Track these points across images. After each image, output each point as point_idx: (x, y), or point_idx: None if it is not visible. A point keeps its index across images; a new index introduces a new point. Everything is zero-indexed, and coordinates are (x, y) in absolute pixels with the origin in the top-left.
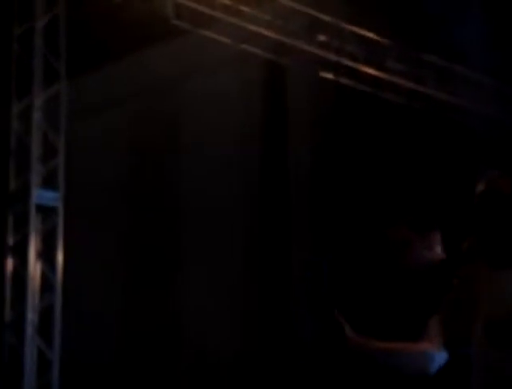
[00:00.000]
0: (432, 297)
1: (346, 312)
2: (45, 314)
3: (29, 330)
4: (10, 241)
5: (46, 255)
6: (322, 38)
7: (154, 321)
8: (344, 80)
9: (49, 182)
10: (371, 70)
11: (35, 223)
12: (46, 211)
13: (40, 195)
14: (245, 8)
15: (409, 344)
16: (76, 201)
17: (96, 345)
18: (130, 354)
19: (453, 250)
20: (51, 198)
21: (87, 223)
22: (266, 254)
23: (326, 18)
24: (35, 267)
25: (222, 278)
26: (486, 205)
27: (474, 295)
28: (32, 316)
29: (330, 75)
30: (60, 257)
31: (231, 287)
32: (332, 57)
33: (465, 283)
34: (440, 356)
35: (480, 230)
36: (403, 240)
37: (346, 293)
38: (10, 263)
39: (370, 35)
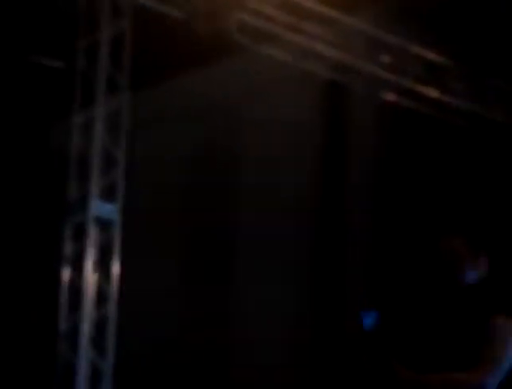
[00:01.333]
0: (482, 320)
1: (398, 352)
2: (100, 325)
3: (83, 341)
4: (68, 251)
5: (102, 267)
6: (384, 58)
7: (208, 334)
8: (406, 102)
9: (107, 194)
10: (434, 92)
11: (93, 234)
12: (104, 223)
13: (98, 207)
14: (307, 26)
15: (463, 374)
16: (135, 214)
17: (150, 358)
18: (184, 370)
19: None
20: (109, 210)
21: (145, 236)
22: (318, 302)
23: (388, 38)
24: (91, 279)
25: (273, 305)
26: None
27: None
28: (86, 327)
29: (391, 96)
30: (116, 269)
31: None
32: (394, 78)
33: None
34: (494, 383)
35: None
36: (456, 252)
37: (396, 330)
38: (66, 274)
39: (432, 56)
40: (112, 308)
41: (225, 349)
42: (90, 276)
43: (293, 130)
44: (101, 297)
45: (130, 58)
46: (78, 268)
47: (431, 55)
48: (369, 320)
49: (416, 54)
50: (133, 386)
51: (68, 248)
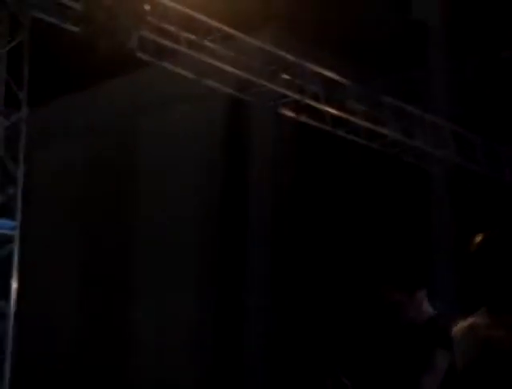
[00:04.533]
0: (422, 356)
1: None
2: None
3: None
4: None
5: (1, 282)
6: (284, 76)
7: (110, 350)
8: (305, 118)
9: (5, 211)
10: (331, 109)
11: None
12: (2, 239)
13: None
14: (209, 44)
15: None
16: (33, 230)
17: (48, 373)
18: (83, 384)
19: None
20: (8, 226)
21: (44, 251)
22: (220, 295)
23: (289, 57)
24: None
25: (174, 312)
26: (486, 256)
27: None
28: None
29: (290, 113)
30: (14, 285)
31: (183, 320)
32: (294, 95)
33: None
34: None
35: (479, 278)
36: (396, 302)
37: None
38: None
39: (330, 74)
40: (9, 324)
41: (125, 361)
42: None
43: (193, 144)
44: None
45: (28, 73)
46: None
47: (329, 74)
48: None
49: (314, 72)
50: None
51: None
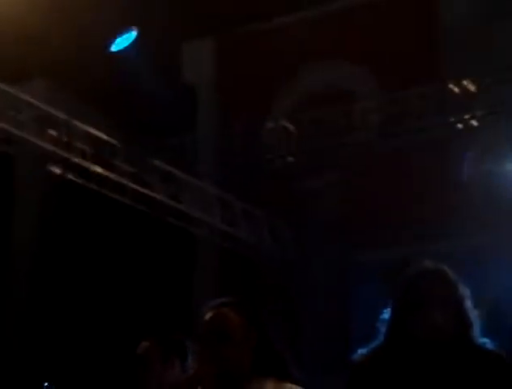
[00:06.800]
0: None
1: None
2: None
3: None
4: None
5: None
6: (52, 132)
7: None
8: (72, 176)
9: None
10: (98, 169)
11: None
12: None
13: None
14: None
15: None
16: None
17: None
18: None
19: None
20: None
21: None
22: None
23: (57, 113)
24: None
25: None
26: (210, 332)
27: None
28: None
29: (57, 170)
30: None
31: None
32: (61, 152)
33: None
34: None
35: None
36: (144, 354)
37: None
38: None
39: (99, 134)
40: None
41: None
42: None
43: None
44: None
45: None
46: None
47: (98, 133)
48: None
49: (83, 131)
50: None
51: None
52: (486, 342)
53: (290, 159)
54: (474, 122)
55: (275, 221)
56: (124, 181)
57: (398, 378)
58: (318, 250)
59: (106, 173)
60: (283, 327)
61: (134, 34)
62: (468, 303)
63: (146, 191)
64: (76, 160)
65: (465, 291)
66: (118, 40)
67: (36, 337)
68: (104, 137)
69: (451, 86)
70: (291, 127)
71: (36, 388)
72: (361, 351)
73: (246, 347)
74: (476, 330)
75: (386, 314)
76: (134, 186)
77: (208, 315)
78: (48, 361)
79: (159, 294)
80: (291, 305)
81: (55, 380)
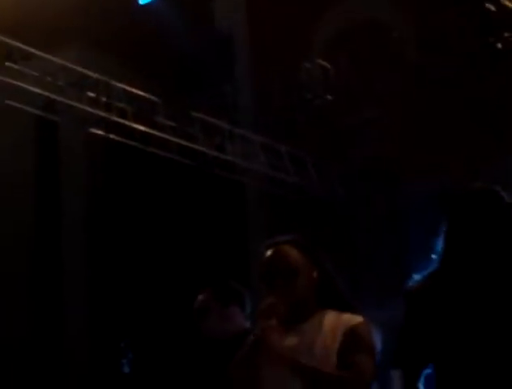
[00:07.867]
0: (219, 369)
1: None
2: None
3: None
4: None
5: None
6: (90, 94)
7: None
8: (114, 136)
9: None
10: (141, 127)
11: None
12: None
13: None
14: (12, 64)
15: None
16: None
17: None
18: None
19: None
20: None
21: None
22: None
23: (94, 75)
24: None
25: None
26: (274, 269)
27: None
28: None
29: (99, 131)
30: None
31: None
32: (101, 113)
33: None
34: None
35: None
36: (202, 307)
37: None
38: None
39: (138, 92)
40: None
41: None
42: None
43: (5, 165)
44: None
45: None
46: None
47: (136, 91)
48: None
49: (121, 90)
50: None
51: None
52: None
53: (329, 97)
54: None
55: (320, 161)
56: (167, 136)
57: (455, 302)
58: (366, 186)
59: (149, 130)
60: (339, 263)
61: None
62: None
63: (190, 144)
64: (117, 119)
65: None
66: None
67: (98, 299)
68: (144, 94)
69: (488, 5)
70: (327, 65)
71: (112, 349)
72: (416, 277)
73: (310, 281)
74: None
75: (439, 244)
76: (178, 141)
77: (269, 253)
78: (113, 320)
79: (213, 246)
80: (345, 243)
81: (127, 339)
